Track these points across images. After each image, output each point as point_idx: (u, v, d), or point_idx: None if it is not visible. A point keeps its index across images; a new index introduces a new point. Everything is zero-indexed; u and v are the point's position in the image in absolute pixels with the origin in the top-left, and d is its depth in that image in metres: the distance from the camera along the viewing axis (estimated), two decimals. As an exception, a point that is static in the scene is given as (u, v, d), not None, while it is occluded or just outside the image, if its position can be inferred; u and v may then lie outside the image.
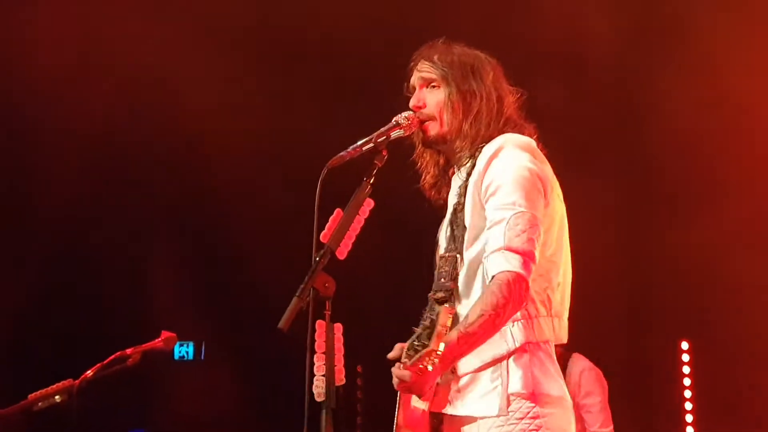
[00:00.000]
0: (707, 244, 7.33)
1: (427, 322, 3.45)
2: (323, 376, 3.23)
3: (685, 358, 8.16)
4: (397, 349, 3.56)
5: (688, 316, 8.00)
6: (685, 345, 8.18)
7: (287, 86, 7.89)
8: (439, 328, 3.12)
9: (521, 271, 3.32)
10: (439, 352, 3.03)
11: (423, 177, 3.87)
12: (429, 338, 3.24)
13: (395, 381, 3.29)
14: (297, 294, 3.19)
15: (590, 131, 7.64)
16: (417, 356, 3.08)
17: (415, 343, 3.45)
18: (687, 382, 8.13)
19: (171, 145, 8.13)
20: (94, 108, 7.63)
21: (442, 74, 3.70)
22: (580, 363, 6.44)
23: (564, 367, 6.17)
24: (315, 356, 3.25)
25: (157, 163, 8.22)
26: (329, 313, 3.27)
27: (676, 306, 8.02)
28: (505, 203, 3.42)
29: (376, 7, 7.46)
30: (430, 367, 3.03)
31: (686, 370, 8.14)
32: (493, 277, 3.33)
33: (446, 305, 3.41)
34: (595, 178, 7.36)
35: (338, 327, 3.30)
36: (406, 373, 3.17)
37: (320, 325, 3.26)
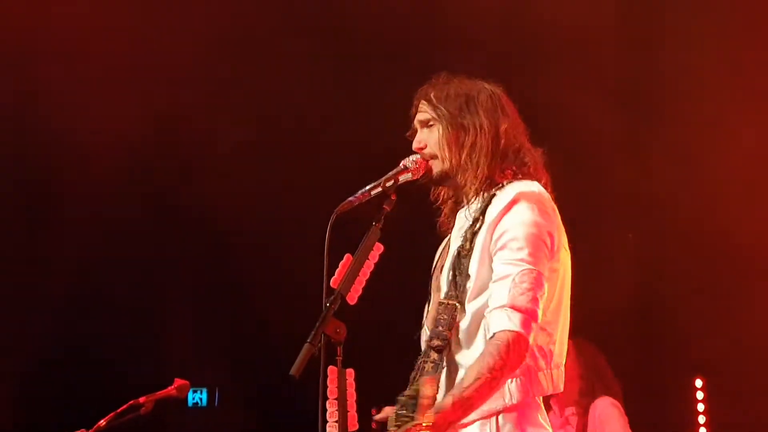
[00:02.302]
0: (721, 282, 7.29)
1: (411, 391, 3.32)
2: (336, 422, 3.23)
3: (700, 395, 8.12)
4: (386, 412, 3.49)
5: (703, 354, 7.96)
6: (699, 383, 8.13)
7: (300, 136, 7.94)
8: (422, 400, 3.07)
9: (521, 330, 3.31)
10: (425, 424, 2.92)
11: (442, 212, 3.88)
12: (414, 409, 3.16)
13: None
14: (308, 340, 3.19)
15: (603, 170, 7.62)
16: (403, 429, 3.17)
17: (401, 412, 3.31)
18: (702, 419, 8.08)
19: (184, 193, 8.16)
20: (111, 158, 7.67)
21: (436, 112, 3.71)
22: (601, 404, 6.36)
23: (587, 408, 6.17)
24: (327, 402, 3.24)
25: (171, 210, 8.24)
26: (341, 358, 3.27)
27: (690, 344, 7.98)
28: (512, 259, 3.42)
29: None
30: None
31: (701, 407, 8.09)
32: (494, 335, 3.33)
33: (428, 376, 3.39)
34: (610, 216, 7.37)
35: (350, 372, 3.30)
36: None
37: (332, 371, 3.25)
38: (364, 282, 3.43)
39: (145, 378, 6.51)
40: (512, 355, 3.29)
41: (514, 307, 3.34)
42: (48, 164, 7.89)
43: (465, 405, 3.26)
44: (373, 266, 3.45)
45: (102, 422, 5.26)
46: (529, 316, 3.35)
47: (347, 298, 3.36)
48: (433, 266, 3.83)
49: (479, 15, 7.28)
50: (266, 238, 8.01)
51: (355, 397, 3.29)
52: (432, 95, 3.74)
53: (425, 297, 3.84)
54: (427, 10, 7.46)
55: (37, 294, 8.10)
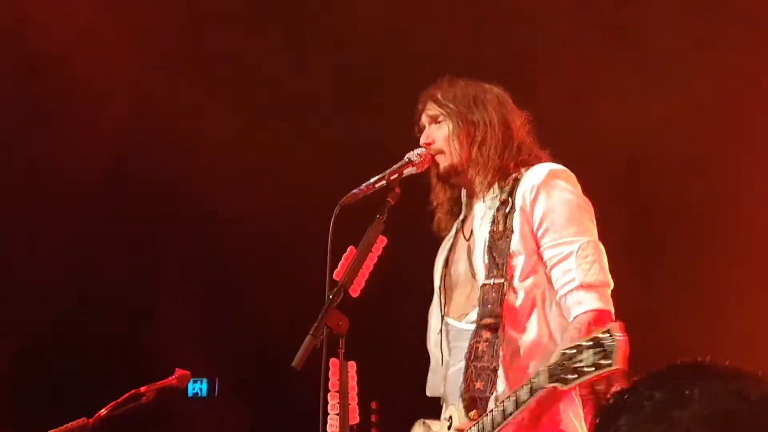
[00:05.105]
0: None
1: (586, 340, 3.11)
2: (337, 414, 3.22)
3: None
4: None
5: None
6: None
7: (298, 128, 7.93)
8: (623, 347, 2.97)
9: (599, 307, 3.37)
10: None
11: (437, 214, 3.88)
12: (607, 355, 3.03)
13: None
14: (311, 332, 3.19)
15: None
16: None
17: (568, 363, 3.11)
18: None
19: (181, 184, 8.14)
20: (106, 147, 7.67)
21: (445, 110, 3.74)
22: None
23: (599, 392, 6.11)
24: (329, 395, 3.24)
25: (169, 201, 8.23)
26: (343, 351, 3.27)
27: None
28: (564, 238, 3.47)
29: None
30: None
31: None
32: (575, 318, 3.37)
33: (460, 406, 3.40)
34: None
35: (352, 365, 3.29)
36: None
37: (334, 363, 3.25)
38: (368, 275, 3.42)
39: (145, 368, 6.50)
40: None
41: (585, 286, 3.39)
42: (48, 154, 7.88)
43: None
44: (376, 259, 3.45)
45: (103, 411, 5.25)
46: (602, 288, 3.40)
47: (350, 291, 3.36)
48: (441, 263, 3.82)
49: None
50: (269, 229, 8.00)
51: (356, 390, 3.28)
52: (439, 95, 3.80)
53: (428, 289, 3.84)
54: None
55: (38, 283, 8.09)
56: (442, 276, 3.80)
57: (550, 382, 3.12)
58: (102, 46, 7.42)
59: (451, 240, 3.84)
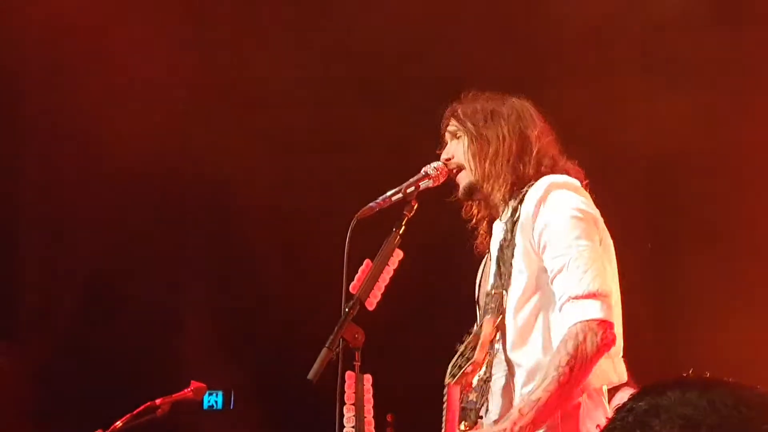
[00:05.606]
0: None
1: (470, 337, 3.31)
2: (353, 427, 3.22)
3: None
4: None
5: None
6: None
7: (315, 140, 7.94)
8: (483, 338, 3.07)
9: (591, 317, 3.26)
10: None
11: (477, 235, 3.84)
12: (473, 350, 3.19)
13: None
14: (326, 345, 3.20)
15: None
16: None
17: (459, 359, 3.30)
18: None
19: (201, 195, 8.17)
20: (127, 161, 7.68)
21: (463, 126, 3.73)
22: (623, 396, 6.24)
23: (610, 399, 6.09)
24: (344, 408, 3.24)
25: (187, 214, 8.25)
26: (359, 363, 3.27)
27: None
28: (561, 249, 3.38)
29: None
30: None
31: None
32: (566, 331, 3.27)
33: (489, 316, 3.35)
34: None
35: (368, 378, 3.29)
36: None
37: (350, 376, 3.25)
38: (384, 288, 3.42)
39: (161, 380, 6.52)
40: (584, 346, 3.22)
41: (576, 297, 3.29)
42: (67, 167, 7.91)
43: (534, 407, 3.21)
44: (392, 272, 3.45)
45: (118, 423, 5.27)
46: (593, 297, 3.29)
47: (366, 304, 3.35)
48: (477, 283, 3.81)
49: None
50: (285, 242, 8.01)
51: (372, 403, 3.28)
52: (459, 111, 3.77)
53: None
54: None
55: (54, 296, 8.12)
56: (477, 296, 3.78)
57: (450, 375, 3.26)
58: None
59: (486, 259, 3.81)
